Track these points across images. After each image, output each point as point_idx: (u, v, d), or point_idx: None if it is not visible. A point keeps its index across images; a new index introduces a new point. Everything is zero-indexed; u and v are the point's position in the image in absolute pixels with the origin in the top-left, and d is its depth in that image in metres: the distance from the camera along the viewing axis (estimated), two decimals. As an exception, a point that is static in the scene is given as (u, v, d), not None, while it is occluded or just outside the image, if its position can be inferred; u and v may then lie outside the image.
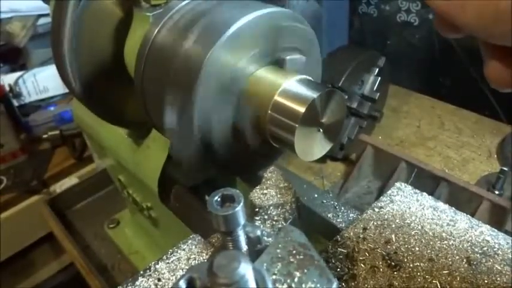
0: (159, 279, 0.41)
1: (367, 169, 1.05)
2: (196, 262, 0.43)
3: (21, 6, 1.66)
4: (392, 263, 0.43)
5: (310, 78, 0.49)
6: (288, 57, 0.50)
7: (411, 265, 0.43)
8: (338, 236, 0.48)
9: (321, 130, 0.49)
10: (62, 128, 1.54)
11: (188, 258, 0.43)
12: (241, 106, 0.49)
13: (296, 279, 0.31)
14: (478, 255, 0.43)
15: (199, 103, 0.46)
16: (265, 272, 0.29)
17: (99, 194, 1.17)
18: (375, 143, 1.02)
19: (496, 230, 0.46)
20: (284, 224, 0.45)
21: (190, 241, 0.45)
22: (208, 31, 0.47)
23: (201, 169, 0.53)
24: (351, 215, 0.55)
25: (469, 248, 0.44)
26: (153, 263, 0.43)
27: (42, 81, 1.70)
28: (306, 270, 0.31)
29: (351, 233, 0.48)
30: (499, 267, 0.42)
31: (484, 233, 0.46)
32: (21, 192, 1.42)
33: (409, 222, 0.48)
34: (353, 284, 0.42)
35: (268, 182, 0.51)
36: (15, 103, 1.62)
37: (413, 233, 0.46)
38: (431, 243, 0.45)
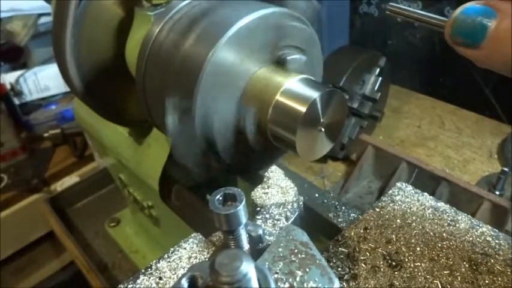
0: (160, 278, 0.41)
1: (367, 169, 1.06)
2: (198, 261, 0.43)
3: (22, 5, 1.66)
4: (393, 263, 0.43)
5: (311, 77, 0.49)
6: (289, 57, 0.50)
7: (412, 265, 0.43)
8: (339, 236, 0.48)
9: (322, 130, 0.49)
10: (63, 127, 1.54)
11: (189, 257, 0.43)
12: (243, 106, 0.49)
13: (298, 278, 0.31)
14: (479, 255, 0.43)
15: (201, 102, 0.46)
16: (267, 271, 0.29)
17: (100, 192, 1.17)
18: (376, 143, 1.02)
19: (496, 231, 0.46)
20: (286, 223, 0.46)
21: (191, 240, 0.45)
22: (209, 31, 0.47)
23: (202, 169, 0.53)
24: (351, 214, 0.55)
25: (470, 248, 0.44)
26: (154, 261, 0.43)
27: (43, 80, 1.70)
28: (307, 269, 0.31)
29: (352, 233, 0.47)
30: (500, 268, 0.42)
31: (484, 233, 0.46)
32: (21, 191, 1.42)
33: (410, 222, 0.48)
34: (354, 283, 0.42)
35: (270, 181, 0.51)
36: (16, 102, 1.62)
37: (414, 233, 0.46)
38: (432, 243, 0.45)
